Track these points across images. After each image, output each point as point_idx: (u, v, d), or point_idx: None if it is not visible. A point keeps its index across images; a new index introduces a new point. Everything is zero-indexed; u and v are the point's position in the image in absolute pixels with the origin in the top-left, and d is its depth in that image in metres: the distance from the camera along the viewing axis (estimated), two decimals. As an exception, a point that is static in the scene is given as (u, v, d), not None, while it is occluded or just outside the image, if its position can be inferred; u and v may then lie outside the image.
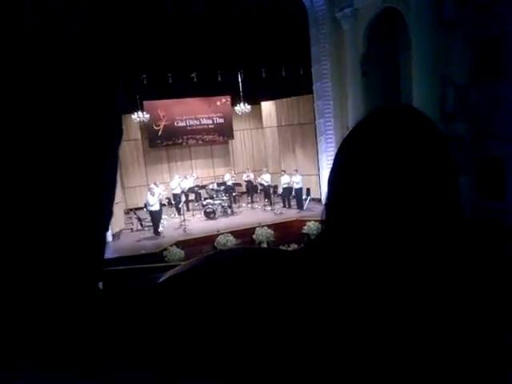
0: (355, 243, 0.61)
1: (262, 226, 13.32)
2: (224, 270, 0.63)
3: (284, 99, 17.38)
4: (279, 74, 16.99)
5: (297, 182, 15.17)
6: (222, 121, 18.61)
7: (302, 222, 13.52)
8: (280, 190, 15.82)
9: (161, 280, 0.67)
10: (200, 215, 15.26)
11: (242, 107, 17.25)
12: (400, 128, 0.62)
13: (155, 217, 13.53)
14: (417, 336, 0.56)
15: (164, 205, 14.70)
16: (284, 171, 16.06)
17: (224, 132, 18.85)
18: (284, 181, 15.54)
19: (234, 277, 0.62)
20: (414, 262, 0.58)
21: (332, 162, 0.69)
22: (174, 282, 0.66)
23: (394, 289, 0.58)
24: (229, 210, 15.32)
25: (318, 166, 15.79)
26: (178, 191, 15.68)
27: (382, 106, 0.67)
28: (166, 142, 18.13)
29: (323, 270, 0.62)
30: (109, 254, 12.00)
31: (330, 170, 0.68)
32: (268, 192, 15.89)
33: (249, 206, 16.58)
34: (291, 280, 0.61)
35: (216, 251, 0.77)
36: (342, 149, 0.67)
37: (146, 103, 16.88)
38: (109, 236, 13.33)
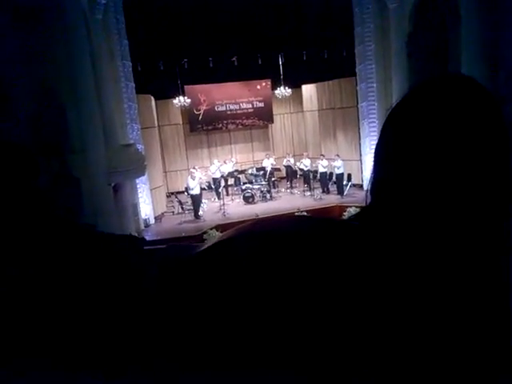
0: (403, 215, 0.60)
1: (301, 212, 13.24)
2: (270, 240, 0.64)
3: (325, 82, 17.05)
4: (321, 56, 16.64)
5: (338, 166, 14.92)
6: (261, 105, 18.54)
7: (343, 208, 13.32)
8: (318, 176, 15.64)
9: (203, 248, 0.69)
10: (239, 200, 15.37)
11: (283, 91, 17.07)
12: (457, 99, 0.59)
13: (195, 200, 13.76)
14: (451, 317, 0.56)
15: (204, 189, 14.92)
16: (323, 155, 15.83)
17: (264, 116, 18.78)
18: (322, 165, 15.34)
19: (280, 246, 0.62)
20: (460, 237, 0.57)
21: (379, 134, 0.67)
22: (218, 248, 0.68)
23: (438, 262, 0.57)
24: (268, 195, 15.34)
25: (360, 151, 15.44)
26: (217, 175, 15.85)
27: (434, 76, 0.62)
28: (206, 127, 18.31)
29: (370, 239, 0.62)
30: (151, 236, 12.37)
31: (377, 140, 0.67)
32: (308, 177, 15.75)
33: (288, 191, 16.52)
34: (337, 249, 0.61)
35: (262, 218, 0.76)
36: (391, 119, 0.64)
37: (187, 88, 17.05)
38: (151, 219, 13.74)
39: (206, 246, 0.69)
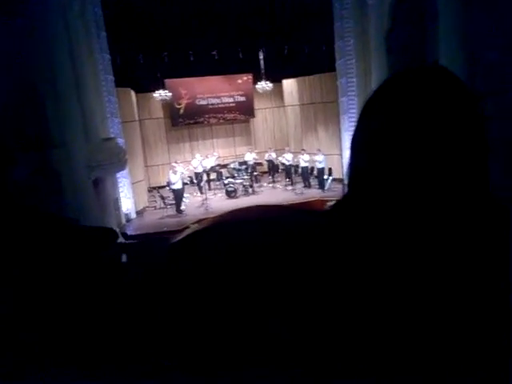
0: (378, 204, 0.60)
1: (283, 206, 13.30)
2: (238, 229, 0.63)
3: (306, 77, 17.08)
4: (301, 51, 16.69)
5: (319, 161, 15.03)
6: (243, 99, 18.49)
7: (324, 202, 13.43)
8: (300, 170, 15.74)
9: (176, 240, 0.68)
10: (221, 194, 15.37)
11: (264, 85, 17.07)
12: (433, 89, 0.59)
13: (177, 195, 13.70)
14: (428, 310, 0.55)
15: (186, 183, 14.87)
16: (304, 150, 15.92)
17: (245, 110, 18.75)
18: (303, 160, 15.44)
19: (248, 234, 0.61)
20: (434, 225, 0.57)
21: (356, 123, 0.66)
22: (189, 239, 0.67)
23: (415, 257, 0.57)
24: (250, 190, 15.36)
25: (341, 145, 15.57)
26: (199, 170, 15.80)
27: (410, 67, 0.62)
28: (188, 121, 18.18)
29: (345, 229, 0.61)
30: (133, 230, 12.28)
31: (353, 132, 0.66)
32: (289, 171, 15.83)
33: (270, 185, 16.58)
34: (308, 240, 0.59)
35: (239, 208, 0.72)
36: (366, 108, 0.64)
37: (167, 81, 16.88)
38: (133, 213, 13.62)
39: (180, 236, 0.68)
